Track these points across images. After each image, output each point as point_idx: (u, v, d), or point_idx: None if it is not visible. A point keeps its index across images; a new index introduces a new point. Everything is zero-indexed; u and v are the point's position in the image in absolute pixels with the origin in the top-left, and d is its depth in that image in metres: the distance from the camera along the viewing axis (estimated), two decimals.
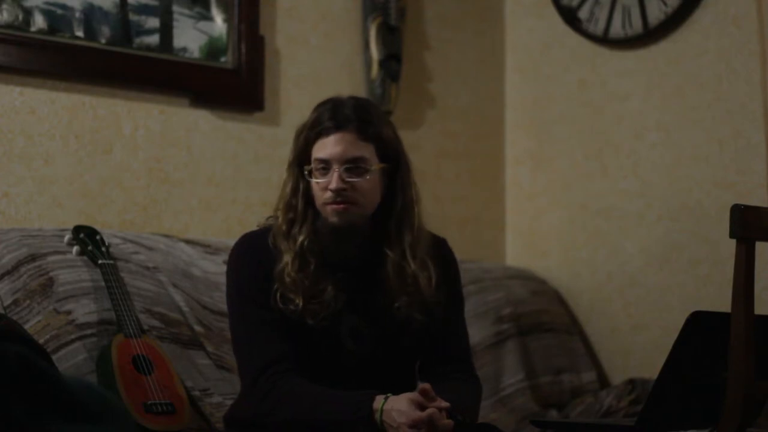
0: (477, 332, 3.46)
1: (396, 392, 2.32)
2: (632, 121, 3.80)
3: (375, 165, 2.39)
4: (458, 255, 2.67)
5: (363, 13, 3.76)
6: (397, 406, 2.25)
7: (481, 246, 4.02)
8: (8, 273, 2.81)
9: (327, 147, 2.37)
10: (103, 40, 3.23)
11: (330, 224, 2.40)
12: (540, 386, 3.62)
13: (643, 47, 3.77)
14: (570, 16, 3.92)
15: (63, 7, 3.16)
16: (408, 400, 2.26)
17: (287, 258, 2.40)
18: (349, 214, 2.38)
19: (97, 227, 2.98)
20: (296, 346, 2.40)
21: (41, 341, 2.65)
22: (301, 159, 2.43)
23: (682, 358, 2.29)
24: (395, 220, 2.44)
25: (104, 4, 3.23)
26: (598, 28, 3.84)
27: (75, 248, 2.87)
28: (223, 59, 3.45)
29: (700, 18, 3.64)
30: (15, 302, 2.76)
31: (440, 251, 2.54)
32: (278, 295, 2.39)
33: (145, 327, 2.82)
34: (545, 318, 3.77)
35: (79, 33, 3.19)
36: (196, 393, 2.82)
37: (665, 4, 3.67)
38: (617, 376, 3.78)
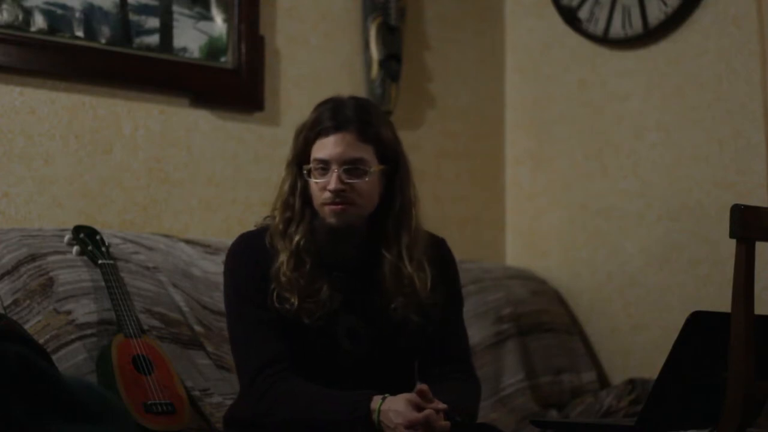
0: (477, 332, 3.46)
1: (393, 393, 2.32)
2: (632, 121, 3.80)
3: (374, 166, 2.39)
4: (458, 255, 2.67)
5: (363, 13, 3.76)
6: (394, 407, 2.25)
7: (481, 246, 4.02)
8: (8, 273, 2.81)
9: (327, 147, 2.37)
10: (103, 40, 3.23)
11: (328, 225, 2.40)
12: (540, 386, 3.62)
13: (643, 47, 3.77)
14: (570, 16, 3.92)
15: (63, 7, 3.16)
16: (405, 401, 2.26)
17: (283, 257, 2.40)
18: (347, 215, 2.38)
19: (97, 227, 2.98)
20: (293, 346, 2.40)
21: (41, 341, 2.65)
22: (300, 158, 2.43)
23: (682, 358, 2.29)
24: (393, 222, 2.44)
25: (104, 4, 3.23)
26: (598, 28, 3.84)
27: (75, 248, 2.87)
28: (223, 59, 3.45)
29: (700, 18, 3.64)
30: (15, 302, 2.76)
31: (439, 251, 2.54)
32: (275, 294, 2.39)
33: (145, 327, 2.82)
34: (545, 318, 3.77)
35: (79, 33, 3.19)
36: (196, 393, 2.82)
37: (665, 4, 3.67)
38: (617, 376, 3.78)
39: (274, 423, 2.36)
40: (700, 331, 2.30)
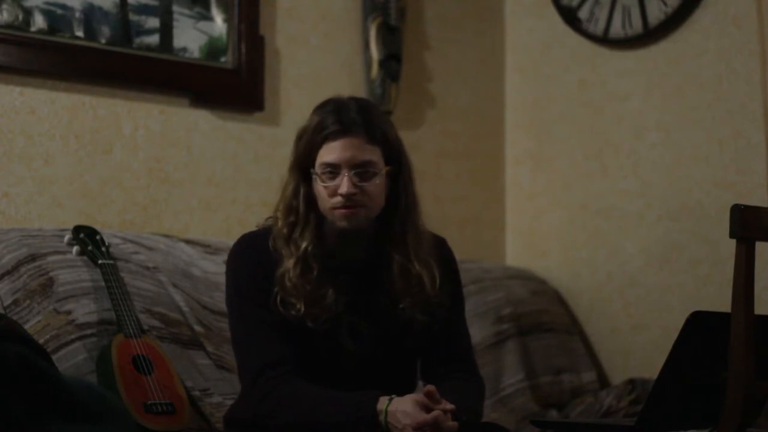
0: (477, 332, 3.46)
1: (396, 393, 2.32)
2: (632, 121, 3.80)
3: (382, 168, 2.39)
4: (458, 255, 2.67)
5: (363, 13, 3.76)
6: (402, 408, 2.25)
7: (481, 246, 4.02)
8: (8, 273, 2.81)
9: (335, 151, 2.35)
10: (103, 40, 3.23)
11: (338, 228, 2.39)
12: (540, 386, 3.62)
13: (643, 47, 3.77)
14: (570, 16, 3.92)
15: (63, 7, 3.16)
16: (413, 402, 2.25)
17: (289, 263, 2.38)
18: (358, 218, 2.38)
19: (97, 227, 2.98)
20: (296, 348, 2.39)
21: (41, 341, 2.65)
22: (303, 162, 2.41)
23: (682, 358, 2.29)
24: (399, 221, 2.44)
25: (104, 4, 3.23)
26: (598, 28, 3.84)
27: (75, 248, 2.87)
28: (223, 59, 3.45)
29: (700, 18, 3.64)
30: (15, 302, 2.76)
31: (441, 251, 2.54)
32: (278, 299, 2.38)
33: (145, 327, 2.82)
34: (545, 318, 3.77)
35: (79, 33, 3.19)
36: (196, 393, 2.82)
37: (665, 4, 3.67)
38: (617, 376, 3.78)
39: (276, 424, 2.36)
40: (700, 331, 2.30)
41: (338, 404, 2.31)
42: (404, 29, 3.83)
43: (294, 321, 2.37)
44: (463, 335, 2.58)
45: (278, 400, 2.35)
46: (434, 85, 3.98)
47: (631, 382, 3.53)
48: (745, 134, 3.53)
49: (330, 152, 2.36)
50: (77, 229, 2.91)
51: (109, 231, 3.05)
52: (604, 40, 3.84)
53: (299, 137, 2.43)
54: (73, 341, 2.73)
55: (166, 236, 3.18)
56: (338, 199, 2.35)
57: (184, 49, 3.38)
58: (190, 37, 3.39)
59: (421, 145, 3.84)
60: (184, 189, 3.37)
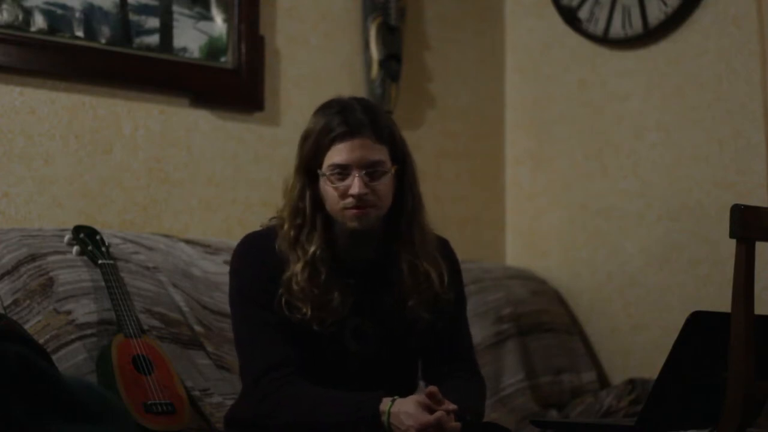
0: (477, 332, 3.46)
1: (398, 393, 2.32)
2: (632, 121, 3.80)
3: (390, 167, 2.39)
4: (458, 255, 2.67)
5: (363, 13, 3.76)
6: (404, 409, 2.25)
7: (481, 246, 4.02)
8: (8, 273, 2.81)
9: (345, 152, 2.35)
10: (103, 40, 3.23)
11: (349, 229, 2.39)
12: (540, 386, 3.62)
13: (643, 47, 3.77)
14: (570, 16, 3.92)
15: (63, 7, 3.16)
16: (415, 403, 2.25)
17: (297, 267, 2.38)
18: (369, 219, 2.38)
19: (97, 227, 2.98)
20: (300, 350, 2.39)
21: (41, 341, 2.65)
22: (310, 164, 2.40)
23: (682, 358, 2.29)
24: (406, 220, 2.44)
25: (104, 4, 3.23)
26: (598, 28, 3.84)
27: (75, 248, 2.87)
28: (223, 59, 3.45)
29: (700, 18, 3.64)
30: (15, 302, 2.76)
31: (444, 252, 2.54)
32: (284, 301, 2.38)
33: (145, 327, 2.82)
34: (545, 318, 3.77)
35: (79, 33, 3.19)
36: (196, 393, 2.82)
37: (665, 4, 3.67)
38: (617, 376, 3.78)
39: (277, 425, 2.36)
40: (700, 331, 2.30)
41: (339, 404, 2.31)
42: (404, 29, 3.83)
43: (298, 323, 2.37)
44: (465, 335, 2.58)
45: (279, 400, 2.34)
46: (434, 85, 3.98)
47: (631, 382, 3.53)
48: (745, 134, 3.53)
49: (339, 154, 2.35)
50: (77, 229, 2.91)
51: (109, 231, 3.05)
52: (604, 40, 3.84)
53: (304, 139, 2.42)
54: (73, 341, 2.73)
55: (166, 236, 3.18)
56: (350, 200, 2.35)
57: (184, 49, 3.38)
58: (190, 37, 3.39)
59: (421, 145, 3.84)
60: (184, 189, 3.37)
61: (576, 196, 3.93)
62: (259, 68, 3.49)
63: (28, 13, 3.11)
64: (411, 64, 3.87)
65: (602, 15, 3.83)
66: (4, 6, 3.07)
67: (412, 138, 3.75)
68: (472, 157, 4.06)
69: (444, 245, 2.57)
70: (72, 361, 2.70)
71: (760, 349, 2.25)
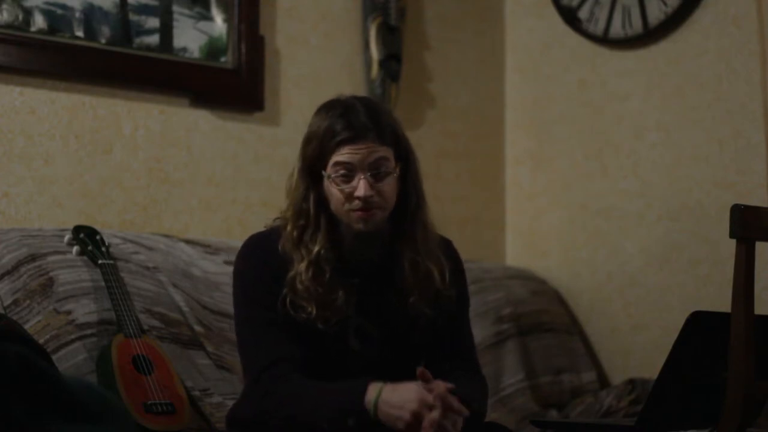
0: (477, 332, 3.45)
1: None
2: (632, 121, 3.80)
3: (394, 167, 2.39)
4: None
5: (363, 13, 3.76)
6: (399, 391, 2.24)
7: (481, 246, 4.02)
8: (8, 273, 2.81)
9: (350, 155, 2.34)
10: (103, 40, 3.23)
11: (355, 230, 2.39)
12: (540, 386, 3.62)
13: (643, 47, 3.77)
14: (570, 16, 3.92)
15: (63, 7, 3.16)
16: (411, 385, 2.24)
17: (301, 267, 2.38)
18: (375, 220, 2.37)
19: (97, 227, 2.98)
20: (304, 349, 2.39)
21: (41, 341, 2.65)
22: (314, 166, 2.40)
23: (682, 358, 2.29)
24: (409, 218, 2.45)
25: (104, 4, 3.23)
26: (598, 28, 3.84)
27: (75, 248, 2.87)
28: (223, 59, 3.45)
29: (700, 18, 3.64)
30: (15, 302, 2.76)
31: (447, 252, 2.54)
32: (288, 301, 2.38)
33: (145, 327, 2.82)
34: (545, 318, 3.77)
35: (79, 33, 3.19)
36: (196, 393, 2.82)
37: (665, 4, 3.67)
38: (617, 376, 3.78)
39: (276, 422, 2.36)
40: (700, 331, 2.30)
41: (329, 397, 2.31)
42: (404, 29, 3.83)
43: (302, 323, 2.37)
44: (467, 335, 2.58)
45: (279, 397, 2.34)
46: (434, 85, 3.98)
47: (631, 382, 3.53)
48: (745, 134, 3.53)
49: (344, 156, 2.35)
50: (77, 229, 2.91)
51: (109, 231, 3.05)
52: (604, 40, 3.84)
53: (308, 141, 2.41)
54: (73, 341, 2.73)
55: (166, 236, 3.18)
56: (356, 202, 2.35)
57: (184, 49, 3.38)
58: (190, 37, 3.39)
59: (421, 145, 3.83)
60: (184, 189, 3.37)
61: (576, 196, 3.93)
62: (259, 68, 3.49)
63: (28, 13, 3.11)
64: (411, 64, 3.87)
65: (602, 15, 3.83)
66: (4, 6, 3.07)
67: (412, 138, 3.71)
68: (472, 157, 4.06)
69: (447, 245, 2.57)
70: (72, 361, 2.70)
71: (760, 349, 2.25)
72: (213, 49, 3.43)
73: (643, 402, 2.74)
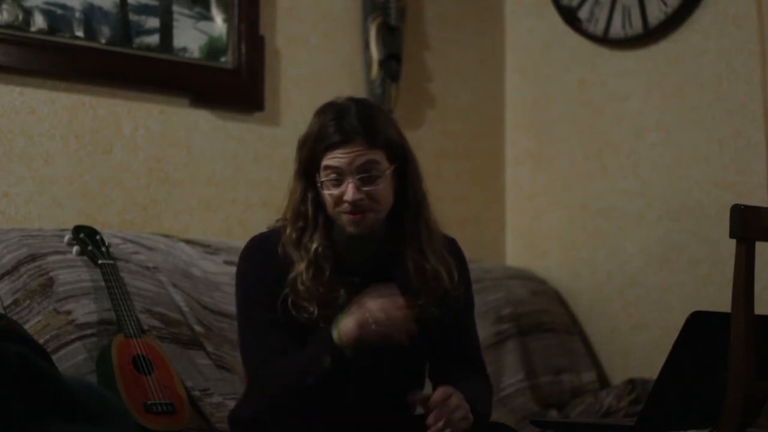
0: (477, 332, 3.46)
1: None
2: (632, 121, 3.80)
3: (386, 169, 2.38)
4: None
5: (363, 13, 3.76)
6: (348, 322, 2.27)
7: (481, 246, 4.01)
8: (8, 273, 2.81)
9: (337, 159, 2.35)
10: (103, 40, 3.23)
11: (347, 233, 2.39)
12: (540, 386, 3.62)
13: (643, 47, 3.77)
14: (570, 16, 3.92)
15: (63, 7, 3.16)
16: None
17: (301, 266, 2.38)
18: (366, 223, 2.37)
19: (97, 227, 2.98)
20: None
21: (41, 341, 2.65)
22: (308, 168, 2.40)
23: (682, 358, 2.29)
24: (410, 218, 2.44)
25: (104, 4, 3.23)
26: (598, 28, 3.84)
27: (75, 248, 2.87)
28: (223, 59, 3.45)
29: (700, 18, 3.64)
30: (15, 302, 2.76)
31: (451, 251, 2.54)
32: (290, 302, 2.38)
33: (145, 327, 2.82)
34: (545, 318, 3.77)
35: (79, 33, 3.19)
36: (196, 393, 2.82)
37: (665, 4, 3.67)
38: (617, 376, 3.78)
39: (273, 411, 2.36)
40: (700, 331, 2.30)
41: (301, 353, 2.32)
42: (404, 29, 3.83)
43: (304, 323, 2.37)
44: (472, 335, 2.58)
45: (264, 380, 2.36)
46: (434, 85, 3.98)
47: (631, 382, 3.53)
48: (745, 134, 3.53)
49: (332, 161, 2.35)
50: (77, 229, 2.91)
51: (109, 231, 3.05)
52: (604, 40, 3.84)
53: (302, 144, 2.42)
54: (73, 341, 2.73)
55: (166, 236, 3.18)
56: (345, 206, 2.36)
57: (184, 49, 3.38)
58: (190, 37, 3.39)
59: (421, 145, 3.84)
60: (184, 189, 3.37)
61: (576, 196, 3.93)
62: (259, 68, 3.49)
63: (28, 13, 3.11)
64: (411, 64, 3.87)
65: (602, 15, 3.83)
66: (4, 6, 3.07)
67: (412, 138, 3.72)
68: (472, 157, 4.06)
69: (452, 244, 2.57)
70: (72, 361, 2.70)
71: (760, 349, 2.25)
72: (213, 49, 3.43)
73: (643, 402, 2.74)
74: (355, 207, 2.35)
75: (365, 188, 2.35)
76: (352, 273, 2.42)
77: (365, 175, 2.35)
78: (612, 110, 3.86)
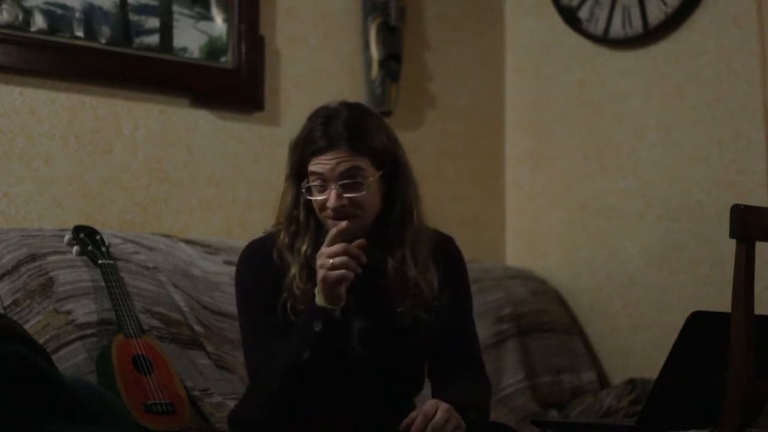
0: (477, 332, 3.45)
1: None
2: (632, 121, 3.80)
3: (371, 175, 2.37)
4: None
5: (363, 13, 3.76)
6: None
7: (481, 246, 4.01)
8: (8, 273, 2.81)
9: (321, 166, 2.35)
10: (103, 40, 3.23)
11: None
12: (540, 386, 3.62)
13: (643, 47, 3.77)
14: (570, 16, 3.92)
15: (63, 7, 3.16)
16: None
17: (294, 270, 2.39)
18: (350, 229, 2.37)
19: (97, 227, 2.98)
20: None
21: (41, 341, 2.65)
22: (298, 172, 2.41)
23: (682, 358, 2.29)
24: (395, 225, 2.43)
25: (104, 4, 3.23)
26: (598, 28, 3.84)
27: (75, 248, 2.87)
28: (223, 59, 3.45)
29: (700, 18, 3.64)
30: (15, 302, 2.77)
31: (446, 250, 2.53)
32: (288, 306, 2.38)
33: (145, 327, 2.82)
34: (545, 318, 3.77)
35: (79, 33, 3.19)
36: (196, 393, 2.82)
37: (665, 4, 3.67)
38: (617, 376, 3.78)
39: (276, 406, 2.36)
40: (700, 331, 2.30)
41: (291, 333, 2.33)
42: (404, 29, 3.83)
43: None
44: (470, 335, 2.57)
45: (262, 372, 2.36)
46: (434, 85, 3.98)
47: (631, 382, 3.53)
48: (745, 134, 3.53)
49: (317, 167, 2.36)
50: (77, 229, 2.91)
51: (109, 231, 3.05)
52: (604, 40, 3.84)
53: (293, 148, 2.42)
54: (73, 341, 2.73)
55: (166, 236, 3.18)
56: (328, 211, 2.36)
57: (184, 49, 3.38)
58: (190, 37, 3.39)
59: (421, 145, 3.84)
60: (184, 189, 3.37)
61: (576, 196, 3.93)
62: (259, 68, 3.49)
63: (28, 13, 3.11)
64: (411, 64, 3.87)
65: (602, 15, 3.83)
66: (4, 6, 3.07)
67: (412, 138, 3.76)
68: (472, 157, 4.06)
69: (448, 243, 2.56)
70: (72, 361, 2.70)
71: (760, 349, 2.25)
72: (213, 49, 3.43)
73: (643, 402, 2.74)
74: (338, 213, 2.34)
75: (348, 195, 2.34)
76: None
77: (348, 181, 2.34)
78: (612, 110, 3.86)
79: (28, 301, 2.77)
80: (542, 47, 4.05)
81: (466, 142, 4.05)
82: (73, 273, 2.84)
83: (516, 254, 4.09)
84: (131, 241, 3.04)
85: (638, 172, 3.77)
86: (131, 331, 2.71)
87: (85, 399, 2.05)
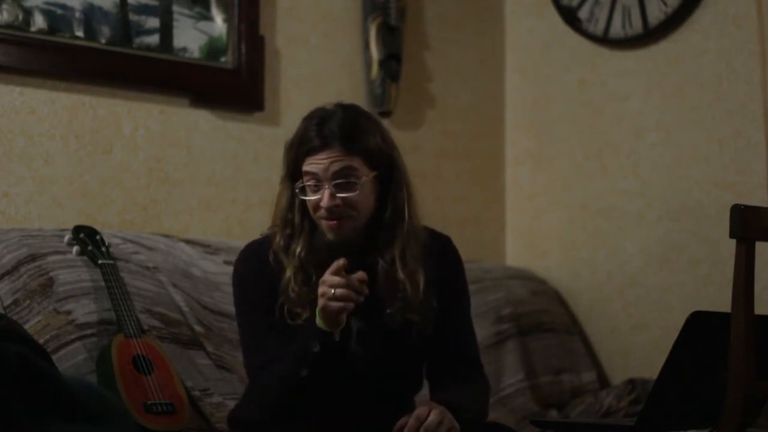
0: (477, 332, 3.44)
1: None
2: (632, 121, 3.80)
3: (365, 176, 2.36)
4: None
5: (363, 13, 3.76)
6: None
7: (481, 246, 4.02)
8: (8, 273, 2.81)
9: (315, 165, 2.35)
10: (103, 40, 3.23)
11: (326, 239, 2.39)
12: (540, 386, 3.62)
13: (643, 47, 3.77)
14: (570, 16, 3.92)
15: (63, 7, 3.16)
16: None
17: (289, 273, 2.39)
18: (343, 230, 2.36)
19: (97, 227, 2.98)
20: None
21: (41, 341, 2.65)
22: (293, 173, 2.41)
23: (682, 358, 2.29)
24: (386, 227, 2.42)
25: (104, 4, 3.23)
26: (598, 28, 3.84)
27: (75, 248, 2.87)
28: (223, 59, 3.45)
29: (700, 18, 3.64)
30: (15, 302, 2.77)
31: (442, 250, 2.53)
32: (285, 309, 2.38)
33: (145, 327, 2.83)
34: (545, 318, 3.77)
35: (79, 33, 3.19)
36: (196, 393, 2.82)
37: (665, 4, 3.67)
38: (617, 376, 3.78)
39: (271, 407, 2.36)
40: (700, 331, 2.30)
41: (289, 349, 2.33)
42: (404, 29, 3.83)
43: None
44: (467, 335, 2.56)
45: (261, 382, 2.36)
46: (434, 85, 3.98)
47: (631, 382, 3.53)
48: (745, 134, 3.53)
49: (311, 166, 2.36)
50: (77, 229, 2.91)
51: (109, 231, 3.05)
52: (604, 40, 3.84)
53: (288, 149, 2.42)
54: (73, 341, 2.73)
55: (166, 236, 3.18)
56: (322, 212, 2.36)
57: (184, 49, 3.38)
58: (190, 37, 3.39)
59: (421, 145, 3.84)
60: (184, 189, 3.37)
61: (576, 196, 3.93)
62: (259, 68, 3.49)
63: (28, 13, 3.11)
64: (411, 64, 3.87)
65: (602, 15, 3.83)
66: (4, 6, 3.07)
67: (412, 138, 3.76)
68: (472, 157, 4.06)
69: (444, 243, 2.56)
70: (72, 361, 2.70)
71: (760, 349, 2.25)
72: (213, 49, 3.43)
73: (643, 402, 2.74)
74: (331, 213, 2.34)
75: (341, 195, 2.34)
76: None
77: (342, 181, 2.34)
78: (612, 110, 3.86)
79: (28, 301, 2.77)
80: (542, 47, 4.05)
81: (466, 142, 4.05)
82: (73, 273, 2.84)
83: (516, 254, 4.09)
84: (131, 241, 3.04)
85: (638, 172, 3.77)
86: (131, 331, 2.71)
87: (85, 399, 2.05)
